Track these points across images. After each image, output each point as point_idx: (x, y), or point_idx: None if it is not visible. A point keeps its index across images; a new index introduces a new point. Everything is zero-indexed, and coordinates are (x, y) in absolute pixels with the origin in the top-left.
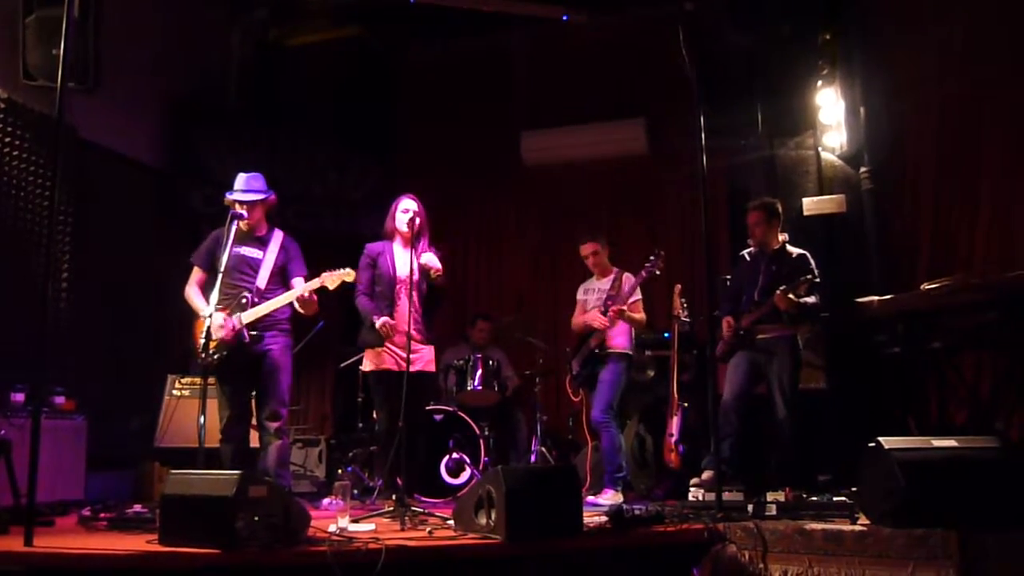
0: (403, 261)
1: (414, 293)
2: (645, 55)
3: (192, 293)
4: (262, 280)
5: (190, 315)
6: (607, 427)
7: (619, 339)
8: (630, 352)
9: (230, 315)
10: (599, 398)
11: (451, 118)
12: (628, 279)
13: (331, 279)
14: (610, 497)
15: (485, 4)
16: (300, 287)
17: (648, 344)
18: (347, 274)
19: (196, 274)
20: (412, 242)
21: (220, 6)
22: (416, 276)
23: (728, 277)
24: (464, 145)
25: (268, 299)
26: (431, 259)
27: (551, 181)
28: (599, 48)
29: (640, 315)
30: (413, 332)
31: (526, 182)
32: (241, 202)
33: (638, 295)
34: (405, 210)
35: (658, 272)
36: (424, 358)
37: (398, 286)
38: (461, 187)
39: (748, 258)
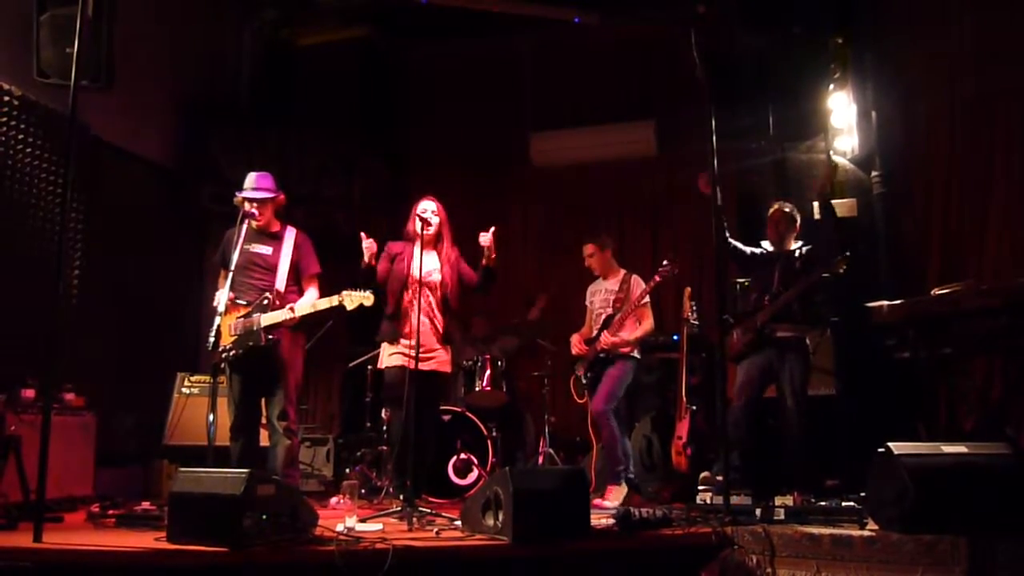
0: (419, 263)
1: (433, 295)
2: (656, 57)
3: (217, 294)
4: (280, 282)
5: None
6: (607, 419)
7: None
8: (637, 355)
9: (249, 315)
10: (601, 389)
11: (461, 118)
12: (638, 283)
13: (350, 299)
14: (614, 495)
15: (496, 5)
16: (319, 300)
17: (657, 347)
18: (366, 298)
19: (221, 274)
20: (432, 243)
21: (231, 6)
22: (434, 278)
23: (741, 280)
24: (473, 146)
25: (289, 301)
26: (486, 239)
27: (560, 182)
28: (609, 49)
29: (645, 324)
30: (429, 333)
31: (535, 183)
32: (251, 200)
33: (646, 299)
34: (423, 211)
35: (670, 277)
36: (439, 358)
37: (412, 286)
38: (470, 188)
39: (759, 256)
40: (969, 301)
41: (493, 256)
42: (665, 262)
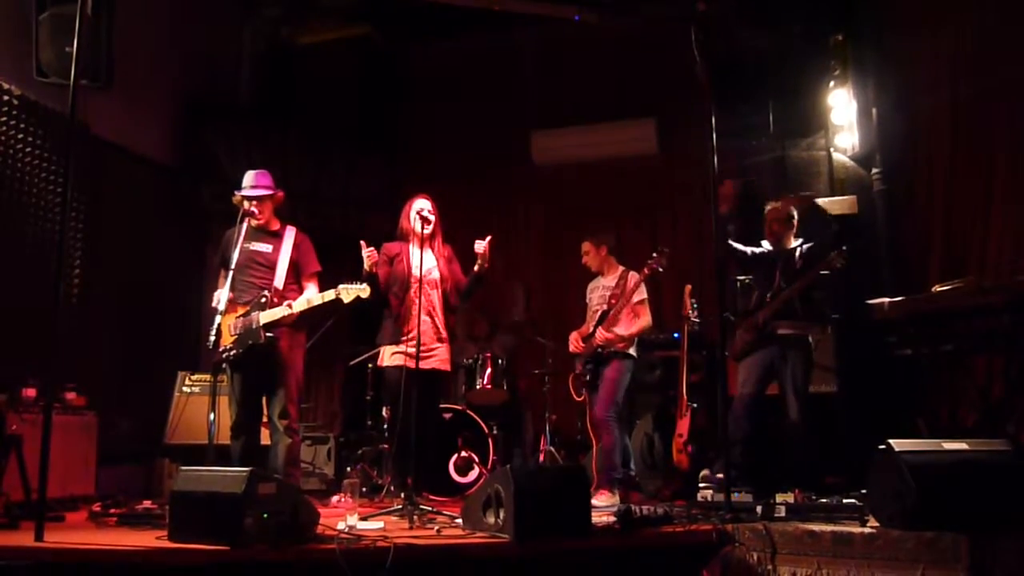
0: (419, 261)
1: (434, 292)
2: (656, 55)
3: (215, 294)
4: (279, 279)
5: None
6: (610, 426)
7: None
8: (633, 352)
9: (248, 314)
10: (602, 396)
11: (461, 117)
12: (632, 277)
13: (347, 292)
14: (604, 499)
15: (496, 3)
16: (315, 295)
17: (658, 344)
18: (363, 290)
19: (220, 275)
20: (427, 241)
21: (232, 5)
22: (434, 276)
23: (742, 278)
24: (473, 144)
25: (288, 299)
26: (481, 246)
27: (561, 181)
28: (610, 47)
29: (641, 320)
30: (430, 331)
31: (536, 181)
32: (249, 198)
33: (642, 295)
34: (419, 210)
35: (660, 269)
36: (439, 356)
37: (414, 286)
38: (470, 186)
39: (760, 255)
40: (970, 299)
41: (487, 265)
42: (654, 254)
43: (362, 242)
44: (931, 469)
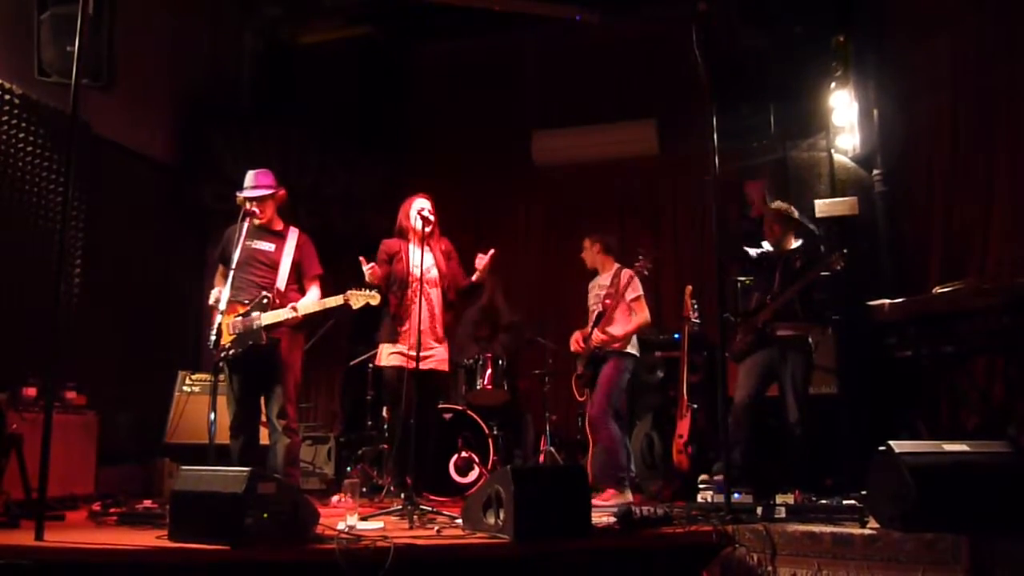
0: (417, 260)
1: (434, 291)
2: (657, 56)
3: (213, 291)
4: (282, 280)
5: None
6: (605, 424)
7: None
8: (632, 351)
9: (248, 314)
10: (597, 395)
11: (462, 117)
12: (626, 274)
13: (355, 298)
14: (612, 498)
15: (497, 3)
16: (324, 299)
17: (658, 345)
18: (372, 297)
19: (219, 271)
20: (427, 240)
21: (232, 4)
22: (433, 275)
23: (742, 279)
24: (474, 144)
25: (289, 300)
26: (482, 262)
27: (561, 181)
28: (611, 48)
29: (637, 318)
30: (428, 331)
31: (536, 181)
32: (251, 199)
33: (637, 291)
34: (420, 209)
35: (646, 272)
36: (438, 356)
37: (413, 285)
38: (471, 186)
39: (762, 257)
40: (970, 300)
41: (484, 277)
42: (640, 258)
43: (361, 258)
44: (931, 470)
